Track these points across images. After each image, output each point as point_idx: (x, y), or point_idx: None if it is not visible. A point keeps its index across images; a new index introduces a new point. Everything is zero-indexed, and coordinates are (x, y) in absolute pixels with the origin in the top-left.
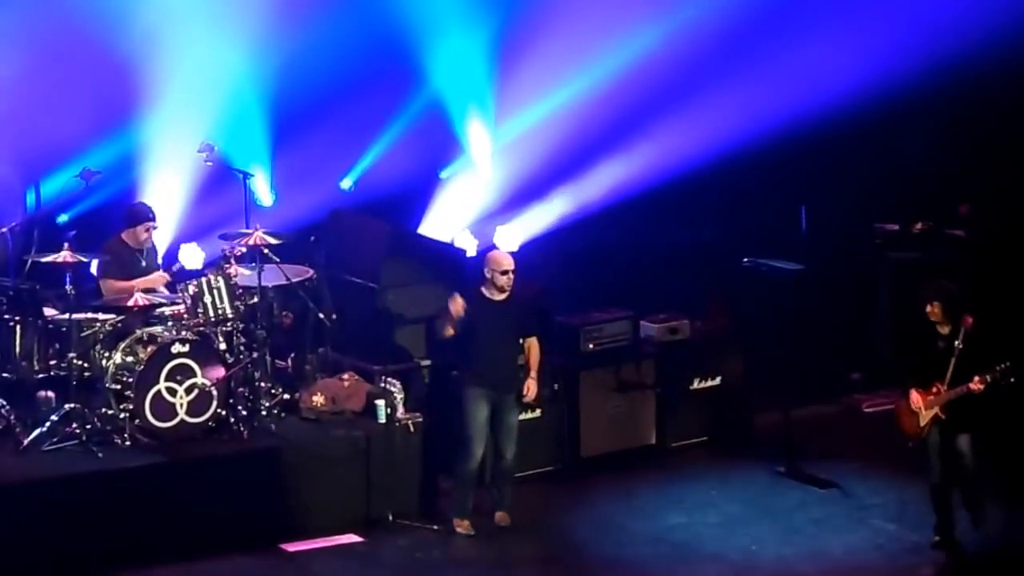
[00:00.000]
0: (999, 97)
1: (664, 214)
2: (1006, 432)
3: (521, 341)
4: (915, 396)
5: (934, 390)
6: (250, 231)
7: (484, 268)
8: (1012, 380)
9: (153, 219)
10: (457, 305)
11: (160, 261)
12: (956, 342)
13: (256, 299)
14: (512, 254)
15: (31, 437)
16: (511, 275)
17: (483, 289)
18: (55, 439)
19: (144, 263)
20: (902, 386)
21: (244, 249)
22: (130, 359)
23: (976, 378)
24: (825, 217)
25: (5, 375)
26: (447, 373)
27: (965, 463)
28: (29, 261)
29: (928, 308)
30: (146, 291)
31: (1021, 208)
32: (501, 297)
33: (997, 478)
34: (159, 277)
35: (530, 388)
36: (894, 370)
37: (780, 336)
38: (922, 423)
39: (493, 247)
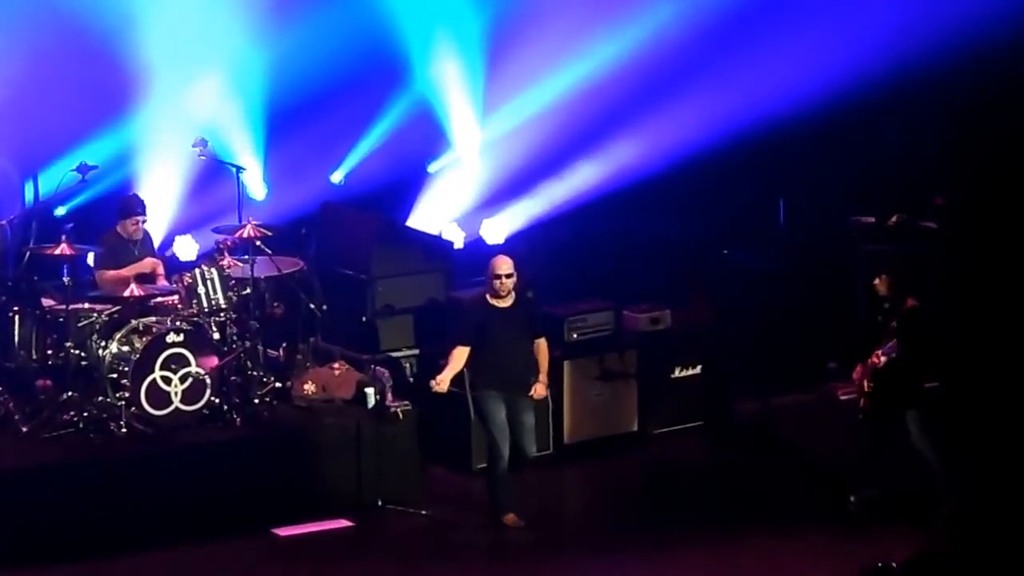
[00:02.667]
0: (975, 91)
1: (646, 207)
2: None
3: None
4: (858, 367)
5: (870, 362)
6: (243, 224)
7: (485, 275)
8: (892, 357)
9: (141, 213)
10: (441, 387)
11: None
12: (892, 320)
13: (249, 290)
14: (499, 246)
15: (29, 425)
16: (505, 279)
17: (487, 296)
18: (53, 427)
19: (138, 253)
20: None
21: (237, 241)
22: (126, 349)
23: (875, 353)
24: (803, 210)
25: (4, 364)
26: (435, 362)
27: (914, 444)
28: (27, 253)
29: (876, 281)
30: (142, 278)
31: (995, 200)
32: (506, 303)
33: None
34: (148, 262)
35: (538, 390)
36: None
37: (759, 326)
38: (860, 395)
39: (480, 240)
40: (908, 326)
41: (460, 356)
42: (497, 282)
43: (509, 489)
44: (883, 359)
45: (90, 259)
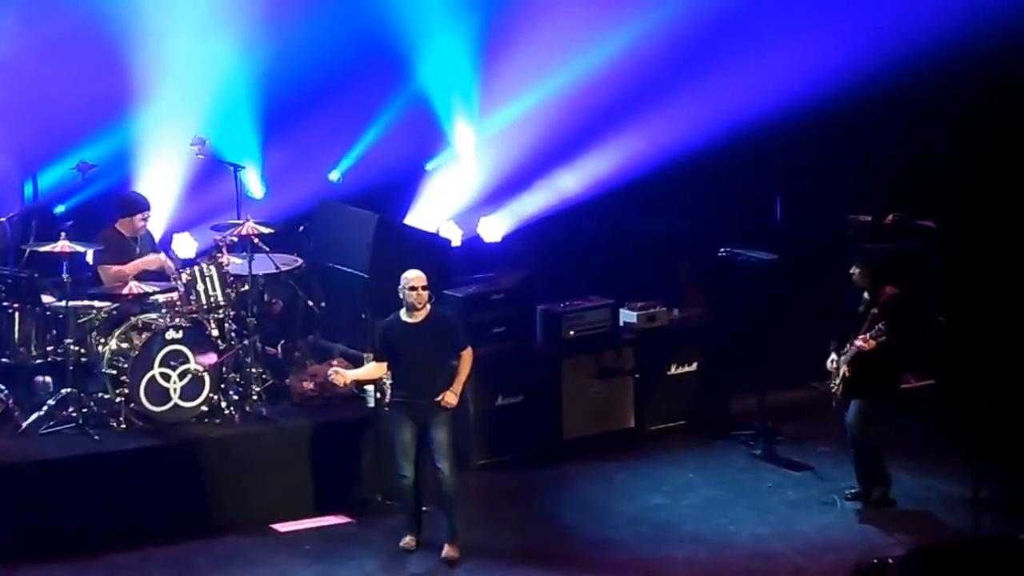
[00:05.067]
0: (972, 89)
1: (643, 205)
2: None
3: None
4: (832, 356)
5: (845, 350)
6: (241, 222)
7: (400, 288)
8: (883, 339)
9: (147, 208)
10: (339, 378)
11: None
12: (873, 308)
13: (247, 287)
14: (494, 244)
15: (29, 421)
16: (420, 291)
17: (401, 312)
18: (52, 422)
19: (139, 250)
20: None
21: (235, 239)
22: (125, 345)
23: (859, 338)
24: (799, 208)
25: (4, 360)
26: None
27: (851, 429)
28: (27, 250)
29: (854, 271)
30: (144, 274)
31: (992, 198)
32: (418, 318)
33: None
34: (155, 258)
35: (446, 397)
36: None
37: (755, 323)
38: (836, 380)
39: (478, 238)
40: (890, 311)
41: (373, 368)
42: (413, 294)
43: (412, 513)
44: (871, 343)
45: (89, 256)
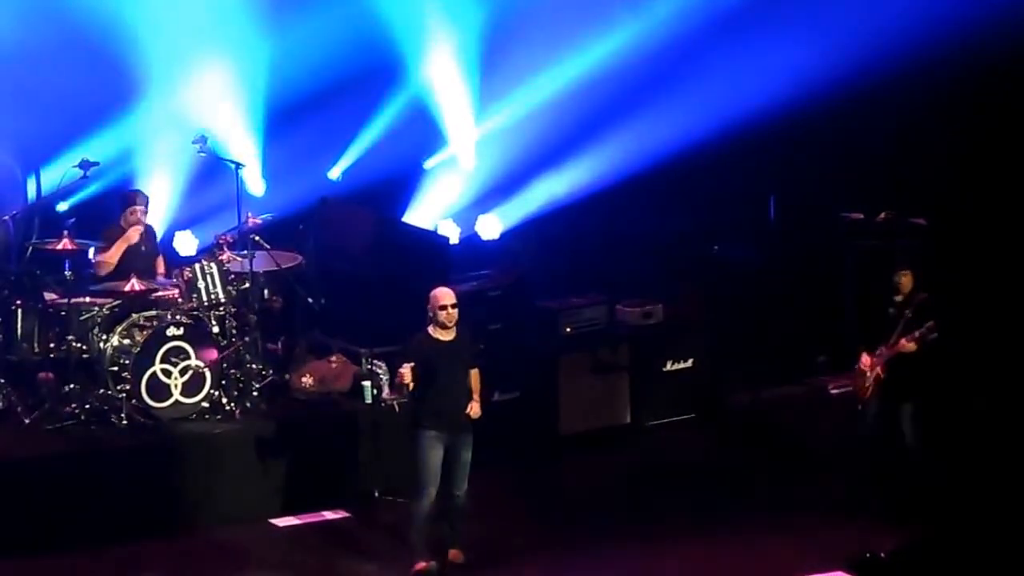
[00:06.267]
0: (966, 87)
1: (639, 203)
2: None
3: None
4: (864, 357)
5: (878, 352)
6: (242, 219)
7: (428, 308)
8: (935, 336)
9: (139, 203)
10: (405, 376)
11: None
12: (907, 310)
13: (248, 284)
14: (492, 242)
15: (32, 417)
16: (451, 309)
17: (430, 330)
18: (55, 419)
19: (143, 248)
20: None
21: (236, 236)
22: (127, 342)
23: (903, 339)
24: (793, 206)
25: (7, 357)
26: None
27: (905, 433)
28: (30, 247)
29: (901, 274)
30: (142, 273)
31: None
32: (449, 337)
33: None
34: (133, 230)
35: (473, 408)
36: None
37: (749, 320)
38: (867, 383)
39: (476, 236)
40: (939, 312)
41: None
42: (443, 313)
43: (425, 534)
44: (911, 344)
45: (91, 254)
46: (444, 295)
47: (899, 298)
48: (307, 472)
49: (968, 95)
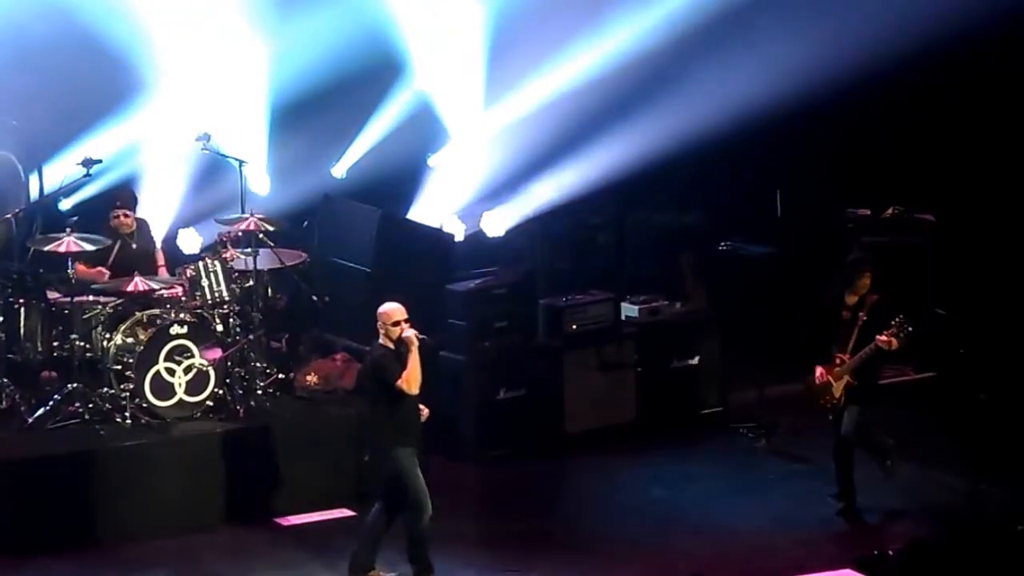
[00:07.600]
0: (968, 83)
1: (644, 199)
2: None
3: None
4: (818, 370)
5: (837, 361)
6: (245, 217)
7: (379, 326)
8: (910, 329)
9: (121, 206)
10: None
11: (160, 244)
12: (860, 313)
13: (251, 282)
14: (497, 239)
15: (35, 416)
16: (403, 324)
17: (386, 343)
18: (58, 417)
19: (135, 246)
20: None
21: (240, 234)
22: (130, 340)
23: (878, 336)
24: (799, 202)
25: (10, 356)
26: (434, 354)
27: (844, 426)
28: (33, 246)
29: (862, 274)
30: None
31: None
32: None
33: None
34: (97, 271)
35: (425, 414)
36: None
37: (755, 317)
38: (836, 393)
39: (481, 232)
40: (888, 314)
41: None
42: (397, 329)
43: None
44: (889, 339)
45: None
46: (394, 311)
47: (852, 300)
48: (311, 470)
49: (975, 89)
